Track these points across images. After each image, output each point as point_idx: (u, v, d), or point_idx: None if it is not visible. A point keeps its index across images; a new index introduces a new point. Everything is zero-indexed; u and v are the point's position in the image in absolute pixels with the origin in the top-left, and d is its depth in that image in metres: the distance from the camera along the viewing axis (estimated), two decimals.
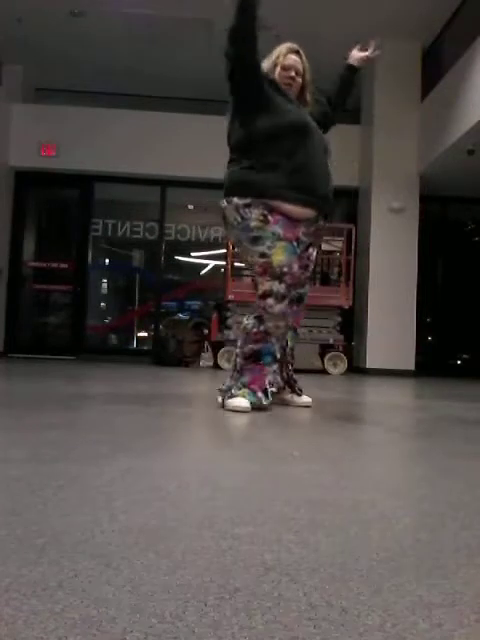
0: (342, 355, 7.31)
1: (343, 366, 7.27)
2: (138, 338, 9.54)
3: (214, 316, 7.54)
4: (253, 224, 2.61)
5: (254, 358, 2.64)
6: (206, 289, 9.38)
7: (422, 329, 7.96)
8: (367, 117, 7.99)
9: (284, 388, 2.94)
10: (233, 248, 6.64)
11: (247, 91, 2.63)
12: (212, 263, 9.20)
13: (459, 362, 8.99)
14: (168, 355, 7.70)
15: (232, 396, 2.61)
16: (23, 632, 0.59)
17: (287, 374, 2.94)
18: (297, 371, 3.06)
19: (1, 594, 0.67)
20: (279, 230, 2.61)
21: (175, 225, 8.85)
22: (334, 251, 7.57)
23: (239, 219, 2.63)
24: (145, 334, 9.45)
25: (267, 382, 2.64)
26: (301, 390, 2.98)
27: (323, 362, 7.26)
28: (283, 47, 2.79)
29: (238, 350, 2.70)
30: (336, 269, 7.69)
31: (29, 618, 0.62)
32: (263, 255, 2.62)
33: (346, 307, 7.33)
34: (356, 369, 7.71)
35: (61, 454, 1.50)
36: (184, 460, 1.58)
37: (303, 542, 0.90)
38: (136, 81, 8.54)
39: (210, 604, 0.67)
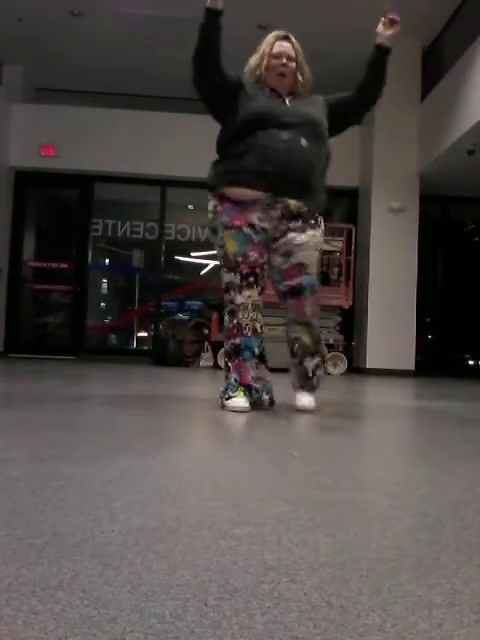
0: (342, 355, 7.31)
1: (343, 366, 7.26)
2: (138, 338, 9.53)
3: (214, 316, 7.54)
4: (210, 217, 2.68)
5: (235, 354, 2.62)
6: (206, 289, 9.38)
7: (422, 329, 7.95)
8: (367, 117, 7.92)
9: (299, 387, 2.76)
10: None
11: (217, 109, 2.70)
12: (212, 263, 9.19)
13: (471, 362, 8.96)
14: (168, 355, 7.69)
15: (229, 397, 2.59)
16: (23, 632, 0.59)
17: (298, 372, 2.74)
18: None
19: (1, 594, 0.67)
20: (226, 218, 2.61)
21: (175, 225, 8.84)
22: (334, 251, 7.56)
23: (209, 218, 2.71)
24: (145, 334, 9.44)
25: (249, 378, 2.60)
26: (314, 387, 2.75)
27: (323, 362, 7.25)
28: (270, 36, 2.73)
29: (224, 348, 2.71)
30: (336, 269, 7.68)
31: (29, 618, 0.62)
32: (221, 247, 2.65)
33: (346, 307, 7.33)
34: (356, 369, 7.70)
35: (61, 454, 1.50)
36: (184, 460, 1.58)
37: (303, 542, 0.90)
38: (136, 81, 8.54)
39: (210, 604, 0.67)
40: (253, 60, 2.73)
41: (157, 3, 6.99)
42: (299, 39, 2.75)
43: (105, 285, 9.90)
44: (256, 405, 2.61)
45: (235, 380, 2.61)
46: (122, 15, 7.15)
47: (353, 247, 7.49)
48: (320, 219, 2.73)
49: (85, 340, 8.69)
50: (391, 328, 7.49)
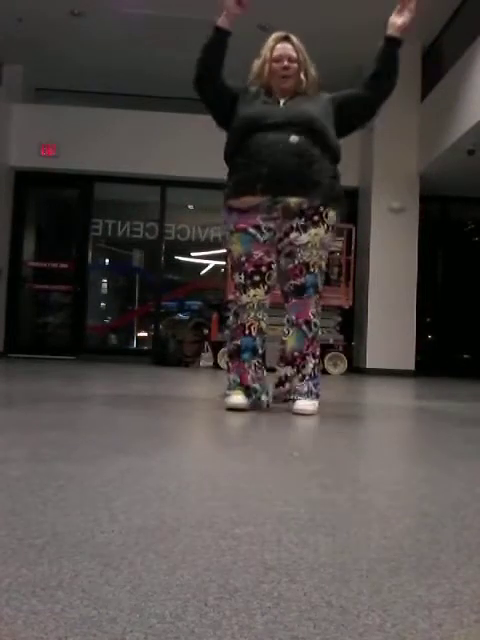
0: (342, 355, 7.31)
1: (343, 366, 7.27)
2: (138, 338, 9.53)
3: (214, 316, 7.54)
4: (221, 228, 2.79)
5: (236, 355, 2.65)
6: (206, 289, 9.38)
7: (422, 329, 7.95)
8: None
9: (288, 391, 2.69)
10: None
11: (220, 118, 2.77)
12: (212, 263, 9.20)
13: (466, 356, 8.94)
14: (168, 355, 7.69)
15: (227, 395, 2.64)
16: (23, 632, 0.59)
17: (285, 376, 2.68)
18: None
19: (1, 594, 0.67)
20: (232, 224, 2.67)
21: (175, 225, 8.84)
22: (334, 251, 7.56)
23: None
24: (145, 334, 9.44)
25: (249, 378, 2.62)
26: (311, 393, 2.63)
27: (323, 362, 7.26)
28: (270, 40, 2.72)
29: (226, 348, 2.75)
30: (336, 269, 7.68)
31: (29, 618, 0.62)
32: (229, 252, 2.73)
33: (346, 307, 7.33)
34: (356, 369, 7.71)
35: (61, 454, 1.50)
36: (184, 460, 1.58)
37: (303, 542, 0.90)
38: (136, 81, 8.54)
39: (210, 604, 0.67)
40: (256, 66, 2.74)
41: (157, 3, 6.99)
42: (299, 39, 2.74)
43: (105, 285, 9.90)
44: (255, 406, 2.62)
45: (234, 381, 2.65)
46: (122, 15, 7.14)
47: (353, 247, 7.49)
48: (328, 212, 2.63)
49: (85, 340, 8.69)
50: (391, 328, 7.49)
